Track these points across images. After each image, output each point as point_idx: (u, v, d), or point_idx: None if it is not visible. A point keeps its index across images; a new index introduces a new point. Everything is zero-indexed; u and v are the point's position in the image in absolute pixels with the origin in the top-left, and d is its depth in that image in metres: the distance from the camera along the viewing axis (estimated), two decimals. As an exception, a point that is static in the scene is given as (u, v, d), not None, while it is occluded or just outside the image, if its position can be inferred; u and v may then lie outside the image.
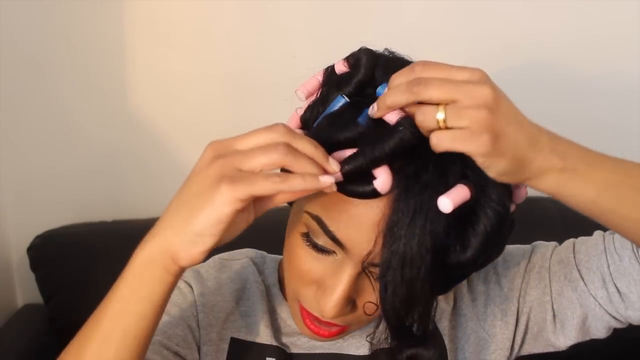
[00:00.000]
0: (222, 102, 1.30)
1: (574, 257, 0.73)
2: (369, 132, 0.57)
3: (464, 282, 0.78)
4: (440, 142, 0.53)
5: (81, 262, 1.21)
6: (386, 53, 0.65)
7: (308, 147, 0.54)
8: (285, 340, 0.75)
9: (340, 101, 0.61)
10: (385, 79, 0.59)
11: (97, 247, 1.23)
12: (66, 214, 1.29)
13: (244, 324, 0.75)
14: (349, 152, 0.57)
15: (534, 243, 0.80)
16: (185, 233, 0.53)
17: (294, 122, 0.65)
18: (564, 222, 1.23)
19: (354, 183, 0.57)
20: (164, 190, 1.34)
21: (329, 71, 0.66)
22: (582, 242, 0.74)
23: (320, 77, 0.66)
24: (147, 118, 1.30)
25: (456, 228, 0.58)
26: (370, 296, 0.64)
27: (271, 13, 1.26)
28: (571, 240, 0.76)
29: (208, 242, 0.52)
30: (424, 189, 0.56)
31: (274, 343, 0.74)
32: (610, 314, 0.71)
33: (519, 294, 0.76)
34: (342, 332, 0.67)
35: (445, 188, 0.56)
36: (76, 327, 1.34)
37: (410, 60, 0.65)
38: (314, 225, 0.62)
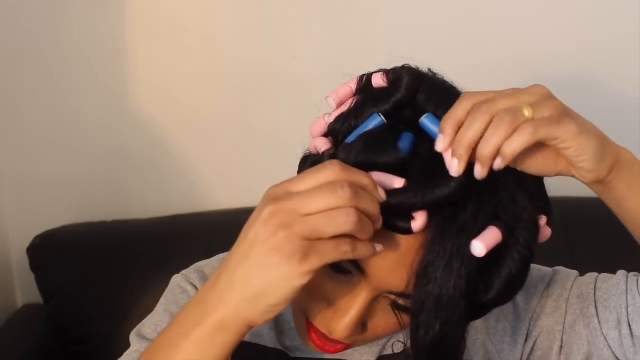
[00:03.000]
0: (222, 102, 1.30)
1: (594, 293, 0.72)
2: (418, 167, 0.55)
3: None
4: (539, 129, 0.52)
5: (81, 262, 1.21)
6: (429, 74, 0.62)
7: (367, 182, 0.52)
8: (289, 344, 0.74)
9: (376, 119, 0.58)
10: (428, 105, 0.58)
11: (97, 247, 1.23)
12: (66, 214, 1.29)
13: None
14: (389, 176, 0.55)
15: (555, 268, 0.78)
16: (260, 306, 0.52)
17: (320, 128, 0.62)
18: (564, 222, 1.23)
19: (388, 215, 0.54)
20: (164, 191, 1.35)
21: (364, 82, 0.62)
22: (604, 280, 0.73)
23: (353, 86, 0.62)
24: (147, 118, 1.30)
25: (481, 268, 0.56)
26: (381, 319, 0.63)
27: (271, 13, 1.26)
28: (594, 274, 0.75)
29: (284, 308, 0.52)
30: (461, 232, 0.54)
31: (277, 346, 0.73)
32: (616, 357, 0.69)
33: (532, 316, 0.74)
34: (347, 348, 0.66)
35: (479, 230, 0.55)
36: (76, 327, 1.34)
37: (451, 83, 0.63)
38: None
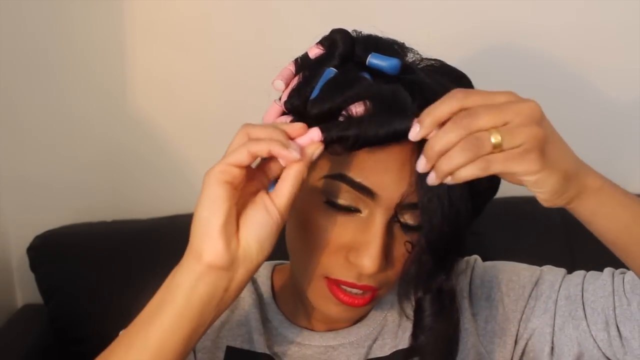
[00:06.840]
0: (222, 102, 1.30)
1: (582, 295, 0.72)
2: (381, 91, 0.59)
3: (466, 296, 0.77)
4: (492, 165, 0.51)
5: (81, 262, 1.21)
6: (355, 33, 0.67)
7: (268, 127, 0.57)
8: (276, 349, 0.75)
9: (332, 73, 0.62)
10: (366, 56, 0.62)
11: (97, 247, 1.23)
12: (66, 214, 1.29)
13: (240, 332, 0.76)
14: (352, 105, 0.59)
15: (543, 267, 0.78)
16: (195, 226, 0.56)
17: (275, 111, 0.65)
18: (564, 222, 1.23)
19: (378, 128, 0.58)
20: (164, 190, 1.35)
21: (301, 61, 0.67)
22: (590, 281, 0.73)
23: (292, 67, 0.67)
24: (147, 118, 1.30)
25: None
26: (399, 248, 0.65)
27: (271, 13, 1.26)
28: (581, 273, 0.75)
29: (214, 221, 0.54)
30: None
31: (267, 352, 0.74)
32: (607, 357, 0.70)
33: (521, 317, 0.75)
34: (373, 298, 0.67)
35: None
36: (76, 327, 1.34)
37: (382, 36, 0.66)
38: (336, 186, 0.62)
